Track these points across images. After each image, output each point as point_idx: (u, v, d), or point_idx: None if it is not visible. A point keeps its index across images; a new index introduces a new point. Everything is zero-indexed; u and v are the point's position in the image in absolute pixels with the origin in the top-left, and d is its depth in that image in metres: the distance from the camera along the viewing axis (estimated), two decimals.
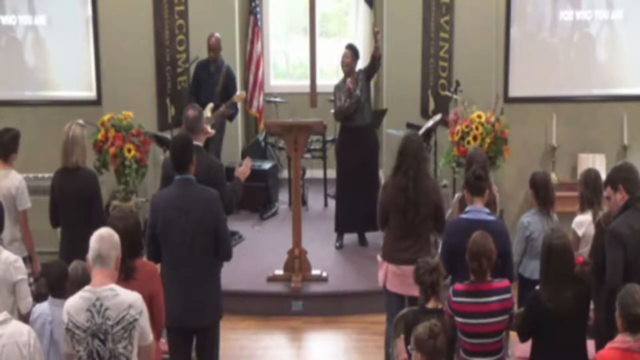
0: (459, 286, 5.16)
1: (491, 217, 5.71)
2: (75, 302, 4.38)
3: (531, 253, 6.17)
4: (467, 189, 5.78)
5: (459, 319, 5.08)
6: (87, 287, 4.40)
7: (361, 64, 8.89)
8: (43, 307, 5.02)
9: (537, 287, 5.07)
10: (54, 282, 5.07)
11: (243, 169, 6.40)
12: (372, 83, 10.72)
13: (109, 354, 4.34)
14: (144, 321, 4.41)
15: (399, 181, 6.12)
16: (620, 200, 5.13)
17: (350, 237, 8.91)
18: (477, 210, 5.68)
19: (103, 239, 4.42)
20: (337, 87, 8.66)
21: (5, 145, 6.45)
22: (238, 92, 9.19)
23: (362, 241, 8.82)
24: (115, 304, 4.33)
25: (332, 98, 8.89)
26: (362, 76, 8.63)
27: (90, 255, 4.41)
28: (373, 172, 8.85)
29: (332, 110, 8.93)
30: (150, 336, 4.49)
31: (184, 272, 5.38)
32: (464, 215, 5.75)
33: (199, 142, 6.26)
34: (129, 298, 4.37)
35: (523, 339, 5.20)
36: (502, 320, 5.07)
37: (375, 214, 8.75)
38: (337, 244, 8.83)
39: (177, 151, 5.52)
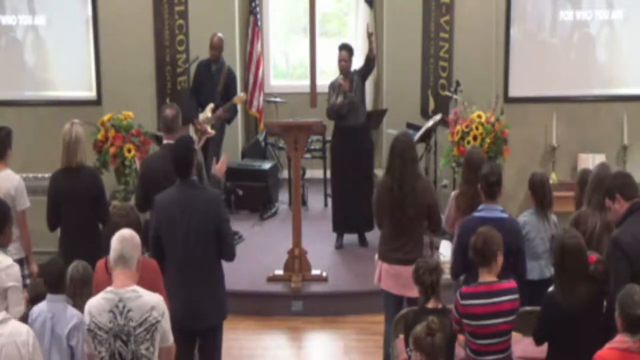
0: (466, 289, 5.09)
1: (504, 215, 5.71)
2: (97, 302, 4.38)
3: (527, 253, 6.15)
4: (482, 192, 5.77)
5: (467, 322, 5.02)
6: (109, 288, 4.40)
7: (356, 63, 8.88)
8: (41, 306, 5.02)
9: (551, 288, 5.01)
10: (53, 279, 5.07)
11: (219, 166, 6.38)
12: (372, 83, 10.75)
13: (131, 355, 4.36)
14: (166, 323, 4.43)
15: (386, 182, 6.14)
16: (620, 208, 5.01)
17: (350, 237, 8.91)
18: (491, 208, 5.69)
19: (125, 239, 4.43)
20: (332, 86, 8.65)
21: (1, 143, 6.43)
22: (238, 94, 9.20)
23: (362, 241, 8.83)
24: (138, 305, 4.34)
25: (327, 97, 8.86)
26: (357, 77, 8.62)
27: (112, 256, 4.42)
28: (368, 172, 8.87)
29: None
30: (171, 337, 4.50)
31: (187, 273, 5.36)
32: (477, 214, 5.73)
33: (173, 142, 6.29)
34: (152, 300, 4.38)
35: (539, 342, 5.13)
36: (510, 320, 5.04)
37: (370, 214, 8.83)
38: (337, 244, 8.84)
39: (180, 156, 5.49)
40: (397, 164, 6.07)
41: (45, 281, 5.11)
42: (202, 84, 9.11)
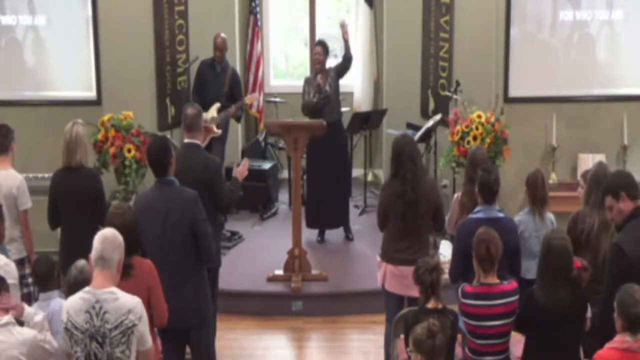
0: (468, 288, 5.11)
1: (501, 214, 5.73)
2: (75, 302, 4.35)
3: (523, 252, 6.15)
4: (481, 196, 5.76)
5: (467, 321, 5.06)
6: (87, 289, 4.36)
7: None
8: (34, 307, 5.02)
9: (534, 286, 5.02)
10: (40, 278, 5.07)
11: (241, 169, 6.38)
12: (372, 83, 10.77)
13: (107, 357, 4.32)
14: (143, 326, 4.37)
15: (397, 186, 6.06)
16: (624, 207, 4.88)
17: (347, 237, 8.93)
18: (489, 209, 5.70)
19: (107, 240, 4.38)
20: (307, 81, 8.74)
21: (5, 136, 6.41)
22: (250, 95, 9.23)
23: (348, 236, 8.94)
24: (114, 307, 4.29)
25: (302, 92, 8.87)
26: (333, 73, 8.72)
27: (93, 255, 4.37)
28: (342, 168, 8.95)
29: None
30: (150, 341, 4.45)
31: (164, 273, 5.21)
32: (473, 215, 5.72)
33: (198, 141, 6.23)
34: (129, 303, 4.33)
35: (519, 331, 5.17)
36: (510, 322, 5.05)
37: (344, 210, 8.87)
38: (319, 238, 8.90)
39: (154, 155, 5.46)
40: (409, 167, 6.02)
41: (35, 280, 5.09)
42: (207, 83, 9.11)
